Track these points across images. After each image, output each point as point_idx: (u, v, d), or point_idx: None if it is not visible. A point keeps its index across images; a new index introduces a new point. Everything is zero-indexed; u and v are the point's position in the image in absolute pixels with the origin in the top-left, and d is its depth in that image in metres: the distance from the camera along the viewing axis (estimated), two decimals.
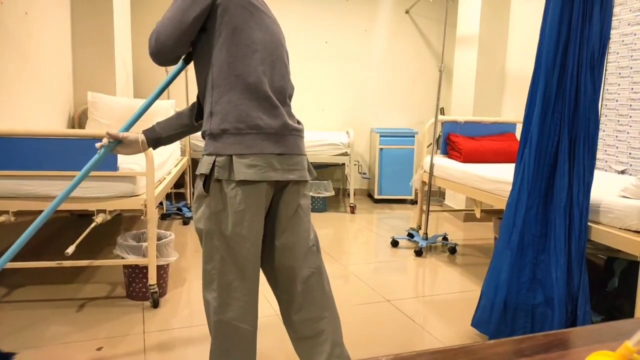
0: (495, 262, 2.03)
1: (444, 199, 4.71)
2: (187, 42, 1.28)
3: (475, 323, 2.07)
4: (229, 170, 1.24)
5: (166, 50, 1.26)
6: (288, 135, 1.31)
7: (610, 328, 0.64)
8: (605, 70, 3.02)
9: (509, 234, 2.02)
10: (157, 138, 1.44)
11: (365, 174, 5.16)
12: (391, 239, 3.44)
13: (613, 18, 2.96)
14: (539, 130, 2.00)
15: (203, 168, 1.28)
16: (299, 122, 1.38)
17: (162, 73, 4.71)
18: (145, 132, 1.44)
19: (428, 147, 3.71)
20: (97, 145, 1.42)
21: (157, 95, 1.46)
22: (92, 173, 2.08)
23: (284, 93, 1.34)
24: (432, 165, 3.26)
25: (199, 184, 1.29)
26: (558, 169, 1.95)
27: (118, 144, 1.42)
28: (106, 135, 1.41)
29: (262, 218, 1.31)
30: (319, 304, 1.38)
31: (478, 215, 3.05)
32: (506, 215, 2.05)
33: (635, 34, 2.82)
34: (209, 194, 1.27)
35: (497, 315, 1.98)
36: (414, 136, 4.81)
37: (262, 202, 1.28)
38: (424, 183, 3.43)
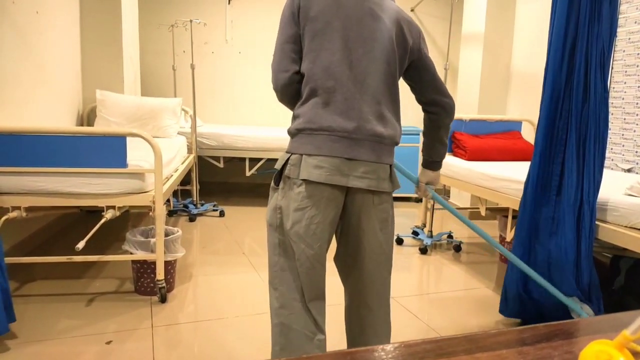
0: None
1: (449, 196, 4.71)
2: (299, 60, 1.31)
3: (509, 312, 2.15)
4: (298, 168, 1.25)
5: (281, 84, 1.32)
6: (363, 140, 1.26)
7: (611, 319, 0.65)
8: (612, 68, 3.01)
9: (521, 232, 2.06)
10: None
11: None
12: (396, 237, 3.45)
13: (620, 16, 2.95)
14: (546, 129, 2.00)
15: (278, 164, 1.32)
16: (391, 127, 1.31)
17: (169, 71, 4.75)
18: None
19: None
20: None
21: None
22: (102, 170, 2.13)
23: (371, 92, 1.28)
24: None
25: (274, 176, 1.34)
26: (566, 167, 1.96)
27: None
28: None
29: (325, 221, 1.28)
30: (378, 326, 1.39)
31: (483, 213, 3.06)
32: (519, 214, 2.08)
33: None
34: (277, 187, 1.31)
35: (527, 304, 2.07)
36: (418, 134, 4.82)
37: (326, 205, 1.26)
38: None
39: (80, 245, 2.05)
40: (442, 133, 1.48)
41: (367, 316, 1.39)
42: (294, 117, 1.32)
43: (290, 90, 1.32)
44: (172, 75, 4.34)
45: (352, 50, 1.27)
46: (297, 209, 1.26)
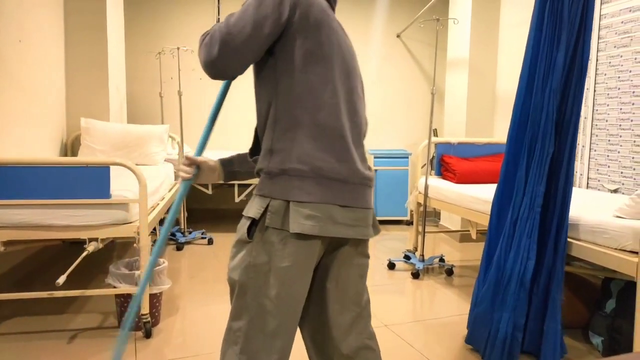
0: None
1: (440, 219, 4.70)
2: (252, 62, 1.09)
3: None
4: (283, 217, 1.05)
5: (227, 64, 1.06)
6: (357, 184, 1.11)
7: None
8: (595, 91, 3.07)
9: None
10: (234, 172, 1.27)
11: None
12: (388, 261, 3.41)
13: (600, 41, 3.03)
14: (507, 155, 2.15)
15: (253, 211, 1.09)
16: (369, 169, 1.18)
17: (156, 98, 4.73)
18: (222, 162, 1.26)
19: (422, 167, 3.73)
20: (181, 174, 1.21)
21: (215, 115, 1.27)
22: (84, 201, 2.07)
23: (359, 132, 1.15)
24: (426, 187, 3.27)
25: (244, 226, 1.09)
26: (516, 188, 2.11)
27: (198, 171, 1.23)
28: (185, 159, 1.20)
29: (308, 280, 1.11)
30: None
31: (474, 236, 3.05)
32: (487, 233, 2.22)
33: (621, 56, 2.88)
34: (252, 240, 1.08)
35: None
36: (407, 157, 4.84)
37: (312, 260, 1.09)
38: (419, 204, 3.42)
39: (61, 280, 1.98)
40: None
41: None
42: (271, 152, 1.09)
43: (232, 76, 1.11)
44: (160, 102, 4.33)
45: (345, 80, 1.12)
46: (281, 267, 1.06)
